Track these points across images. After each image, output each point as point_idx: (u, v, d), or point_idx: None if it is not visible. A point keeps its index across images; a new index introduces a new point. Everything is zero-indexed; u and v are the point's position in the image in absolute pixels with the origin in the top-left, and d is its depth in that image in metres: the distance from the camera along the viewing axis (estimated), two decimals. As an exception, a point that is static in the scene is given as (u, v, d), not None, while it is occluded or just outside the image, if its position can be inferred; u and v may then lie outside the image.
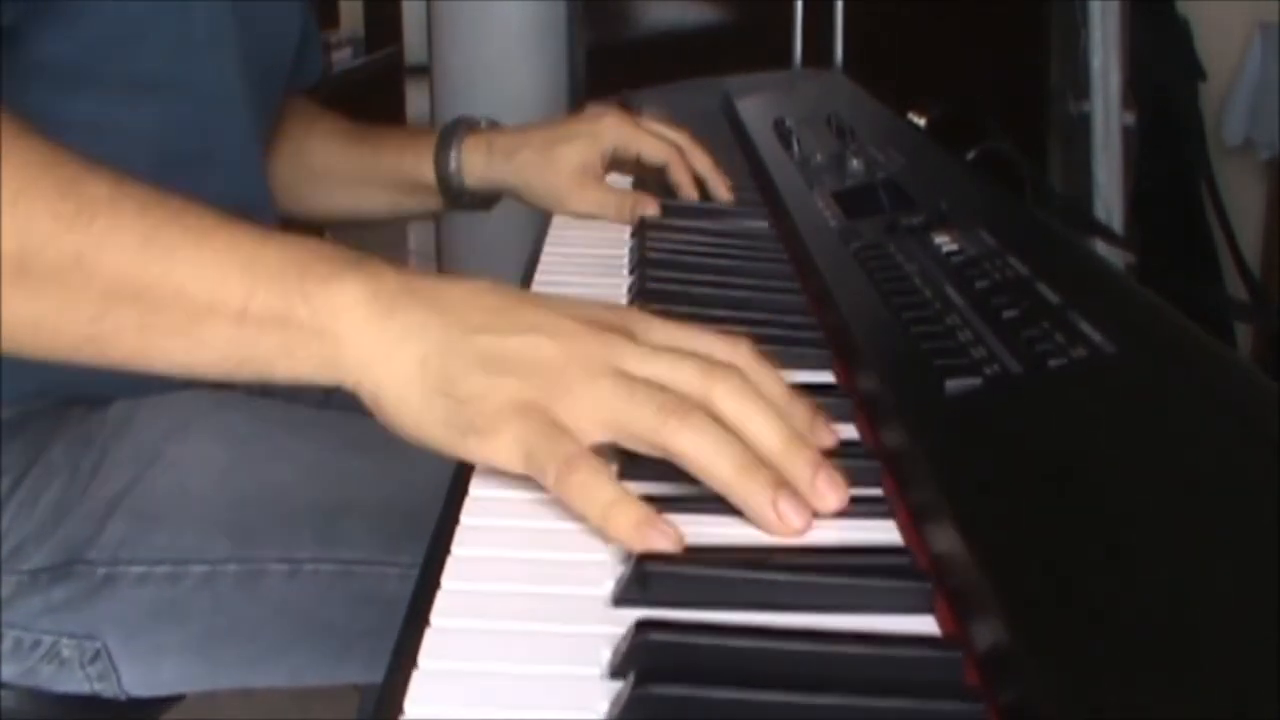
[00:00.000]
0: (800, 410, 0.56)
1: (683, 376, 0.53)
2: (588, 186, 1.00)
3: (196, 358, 0.57)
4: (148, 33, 0.79)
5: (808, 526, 0.51)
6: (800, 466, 0.52)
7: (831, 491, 0.52)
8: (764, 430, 0.53)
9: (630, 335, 0.56)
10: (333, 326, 0.55)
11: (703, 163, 1.03)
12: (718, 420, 0.52)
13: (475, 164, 1.03)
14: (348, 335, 0.55)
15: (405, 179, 1.06)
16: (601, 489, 0.50)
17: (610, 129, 1.01)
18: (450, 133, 1.04)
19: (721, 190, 1.03)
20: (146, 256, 0.56)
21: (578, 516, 0.51)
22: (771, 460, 0.52)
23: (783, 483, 0.51)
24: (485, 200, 1.07)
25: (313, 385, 0.58)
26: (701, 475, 0.52)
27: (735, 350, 0.57)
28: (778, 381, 0.57)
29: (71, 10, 0.75)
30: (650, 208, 0.97)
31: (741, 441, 0.52)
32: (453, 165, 1.03)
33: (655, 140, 1.02)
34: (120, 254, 0.56)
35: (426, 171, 1.04)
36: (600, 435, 0.53)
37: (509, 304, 0.56)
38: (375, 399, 0.56)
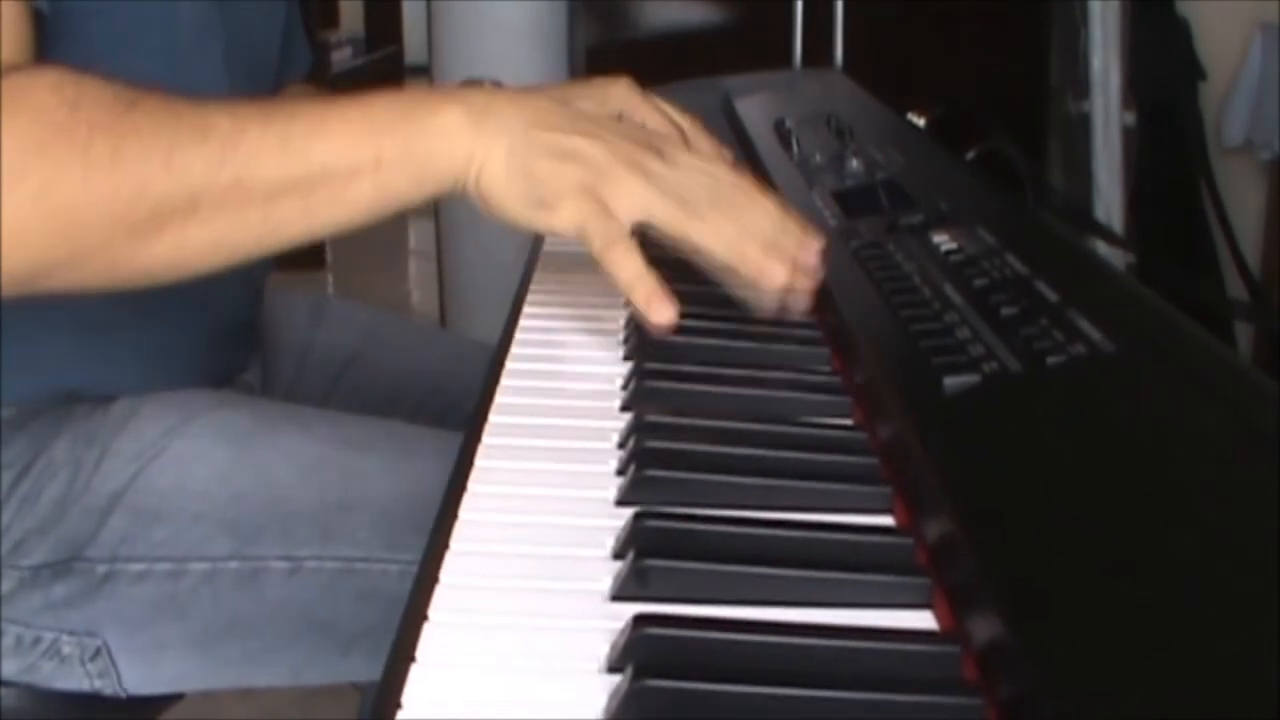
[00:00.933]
0: (795, 232, 0.71)
1: (699, 185, 0.69)
2: None
3: (353, 212, 0.68)
4: (136, 40, 0.80)
5: (782, 289, 0.69)
6: (791, 241, 0.70)
7: (813, 244, 0.71)
8: (763, 224, 0.70)
9: (661, 148, 0.70)
10: (446, 145, 0.67)
11: (704, 144, 1.03)
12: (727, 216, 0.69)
13: None
14: (459, 145, 0.67)
15: None
16: (632, 263, 0.66)
17: (619, 95, 1.01)
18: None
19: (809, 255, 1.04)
20: (289, 157, 0.66)
21: (612, 279, 0.66)
22: (770, 244, 0.69)
23: (771, 255, 0.69)
24: None
25: (440, 196, 0.69)
26: (709, 256, 0.69)
27: (740, 173, 0.73)
28: (774, 203, 0.72)
29: (64, 23, 0.75)
30: None
31: (738, 230, 0.69)
32: None
33: (660, 115, 1.02)
34: (268, 164, 0.66)
35: None
36: (637, 215, 0.67)
37: (570, 112, 0.71)
38: (476, 184, 0.68)
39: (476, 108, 0.68)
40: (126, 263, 0.66)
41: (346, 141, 0.67)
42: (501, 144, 0.68)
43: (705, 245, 0.68)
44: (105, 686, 0.81)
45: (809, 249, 0.71)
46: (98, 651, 0.80)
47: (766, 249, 0.69)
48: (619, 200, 0.67)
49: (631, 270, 0.66)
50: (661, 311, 0.66)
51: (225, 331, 0.93)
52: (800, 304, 0.71)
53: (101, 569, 0.79)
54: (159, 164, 0.64)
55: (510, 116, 0.68)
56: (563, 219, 0.67)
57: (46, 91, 0.63)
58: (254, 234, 0.67)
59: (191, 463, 0.81)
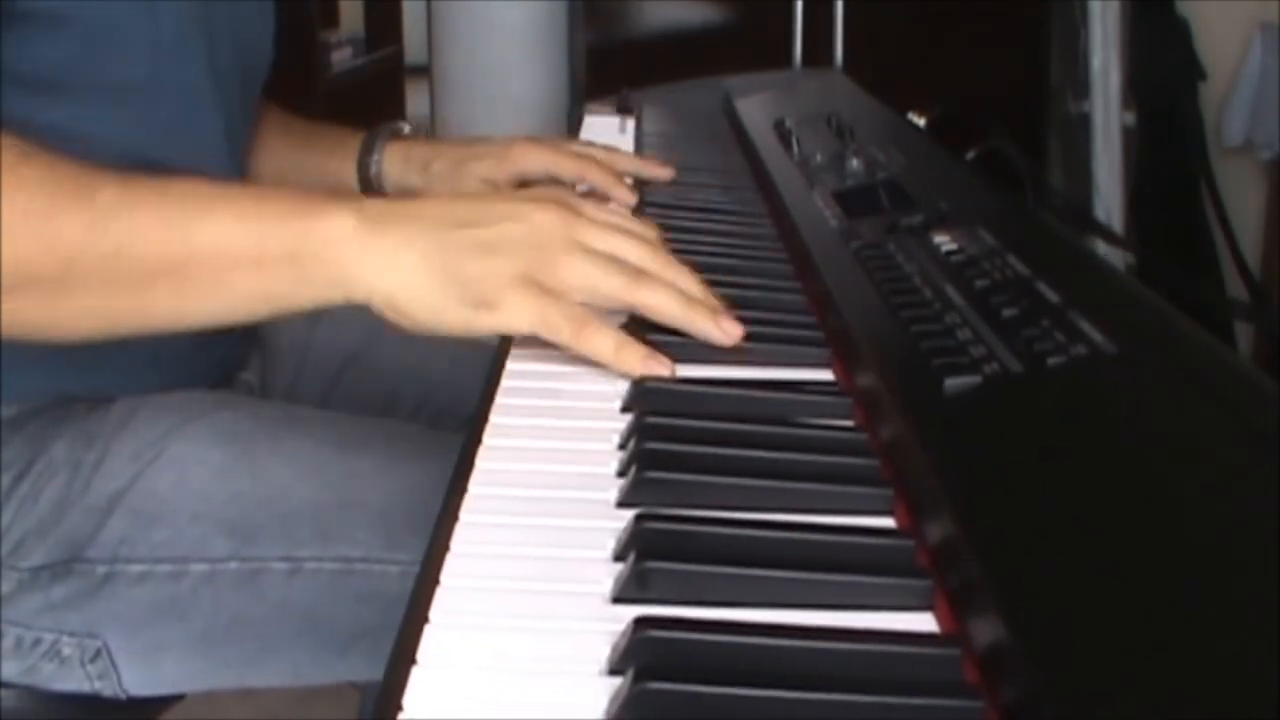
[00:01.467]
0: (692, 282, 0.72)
1: (629, 250, 0.69)
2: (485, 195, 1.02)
3: (228, 306, 0.68)
4: (118, 40, 0.80)
5: (743, 335, 0.69)
6: (716, 303, 0.71)
7: (737, 325, 0.70)
8: (691, 284, 0.70)
9: (576, 212, 0.69)
10: (336, 251, 0.65)
11: (626, 163, 1.05)
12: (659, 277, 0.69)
13: (393, 171, 1.07)
14: (351, 256, 0.65)
15: (329, 180, 1.09)
16: (610, 336, 0.66)
17: (519, 153, 1.04)
18: (374, 138, 1.08)
19: (659, 171, 1.06)
20: (171, 236, 0.65)
21: (594, 361, 0.66)
22: (699, 299, 0.70)
23: (719, 310, 0.70)
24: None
25: (330, 306, 0.68)
26: (661, 317, 0.69)
27: (648, 227, 0.75)
28: (685, 266, 0.73)
29: (44, 21, 0.75)
30: None
31: (678, 291, 0.69)
32: (373, 170, 1.07)
33: (565, 157, 1.03)
34: (148, 241, 0.65)
35: (349, 175, 1.08)
36: (581, 298, 0.67)
37: (476, 203, 0.70)
38: (390, 303, 0.66)
39: (369, 217, 0.66)
40: None
41: (230, 230, 0.66)
42: (410, 255, 0.65)
43: (656, 309, 0.68)
44: (105, 688, 0.81)
45: (734, 324, 0.70)
46: (98, 653, 0.80)
47: (707, 302, 0.70)
48: (563, 280, 0.66)
49: (613, 343, 0.66)
50: (660, 367, 0.66)
51: (223, 328, 0.92)
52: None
53: (101, 570, 0.79)
54: (37, 224, 0.63)
55: (411, 227, 0.66)
56: (512, 316, 0.65)
57: None
58: (123, 311, 0.67)
59: (191, 464, 0.81)
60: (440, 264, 0.65)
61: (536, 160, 1.03)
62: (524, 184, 1.04)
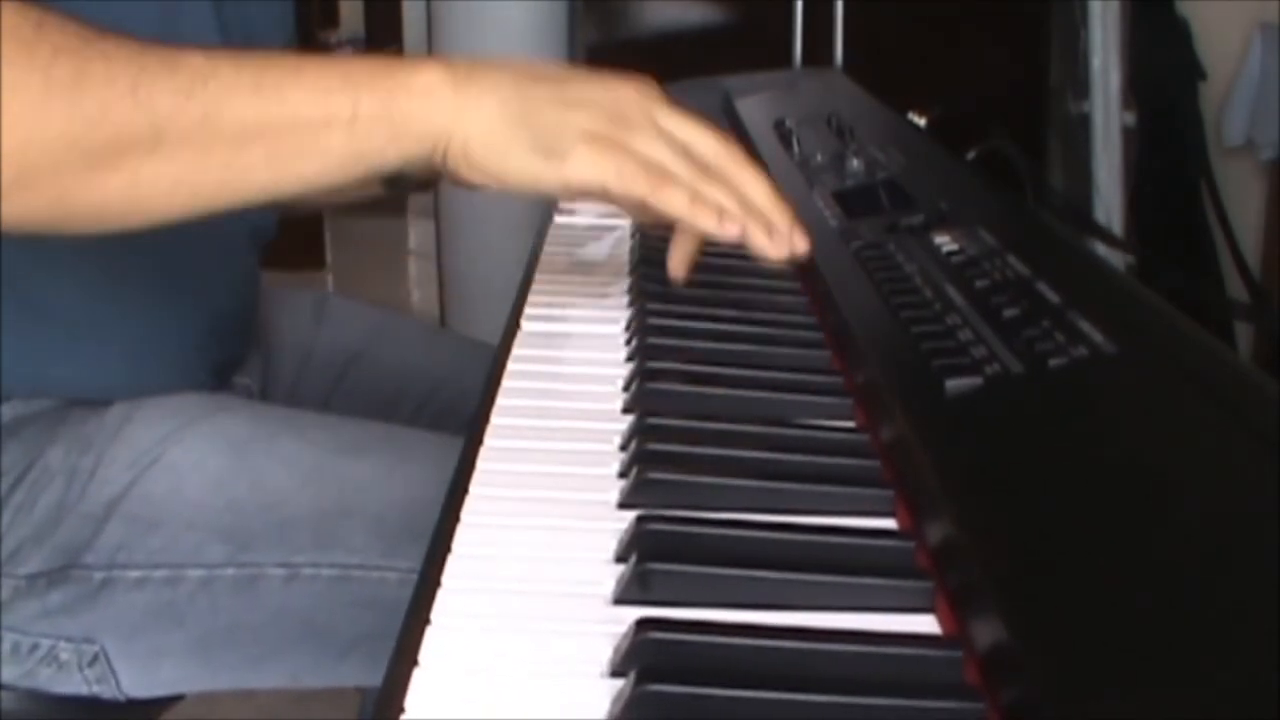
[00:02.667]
0: (785, 204, 0.71)
1: (703, 145, 0.68)
2: None
3: (323, 167, 0.65)
4: (136, 29, 0.79)
5: (790, 256, 0.69)
6: (784, 217, 0.69)
7: (803, 238, 0.70)
8: (760, 193, 0.69)
9: (658, 97, 0.69)
10: (424, 104, 0.65)
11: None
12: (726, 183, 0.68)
13: None
14: (439, 106, 0.65)
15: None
16: (684, 194, 0.66)
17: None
18: None
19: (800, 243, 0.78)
20: (261, 99, 0.63)
21: (667, 215, 0.67)
22: (765, 213, 0.69)
23: (779, 224, 0.69)
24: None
25: (418, 161, 0.66)
26: (713, 223, 0.67)
27: (727, 137, 0.72)
28: (761, 173, 0.71)
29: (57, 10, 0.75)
30: None
31: (741, 196, 0.68)
32: None
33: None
34: (239, 105, 0.63)
35: None
36: (655, 165, 0.66)
37: (564, 72, 0.70)
38: (466, 149, 0.65)
39: (459, 69, 0.66)
40: (77, 195, 0.62)
41: (322, 91, 0.64)
42: (490, 101, 0.65)
43: (713, 210, 0.67)
44: (104, 691, 0.81)
45: (799, 239, 0.70)
46: (95, 658, 0.80)
47: (770, 217, 0.69)
48: (637, 145, 0.66)
49: (687, 200, 0.66)
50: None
51: (219, 322, 0.92)
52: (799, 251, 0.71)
53: (98, 576, 0.79)
54: (123, 90, 0.61)
55: (497, 76, 0.66)
56: (582, 167, 0.65)
57: (10, 9, 0.60)
58: (216, 178, 0.64)
59: (187, 470, 0.81)
60: (517, 111, 0.65)
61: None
62: None
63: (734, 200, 0.68)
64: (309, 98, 0.64)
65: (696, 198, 0.67)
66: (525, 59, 0.70)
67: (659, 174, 0.66)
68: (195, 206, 0.65)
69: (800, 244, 0.70)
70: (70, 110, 0.60)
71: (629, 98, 0.68)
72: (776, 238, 0.68)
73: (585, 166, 0.65)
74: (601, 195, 0.67)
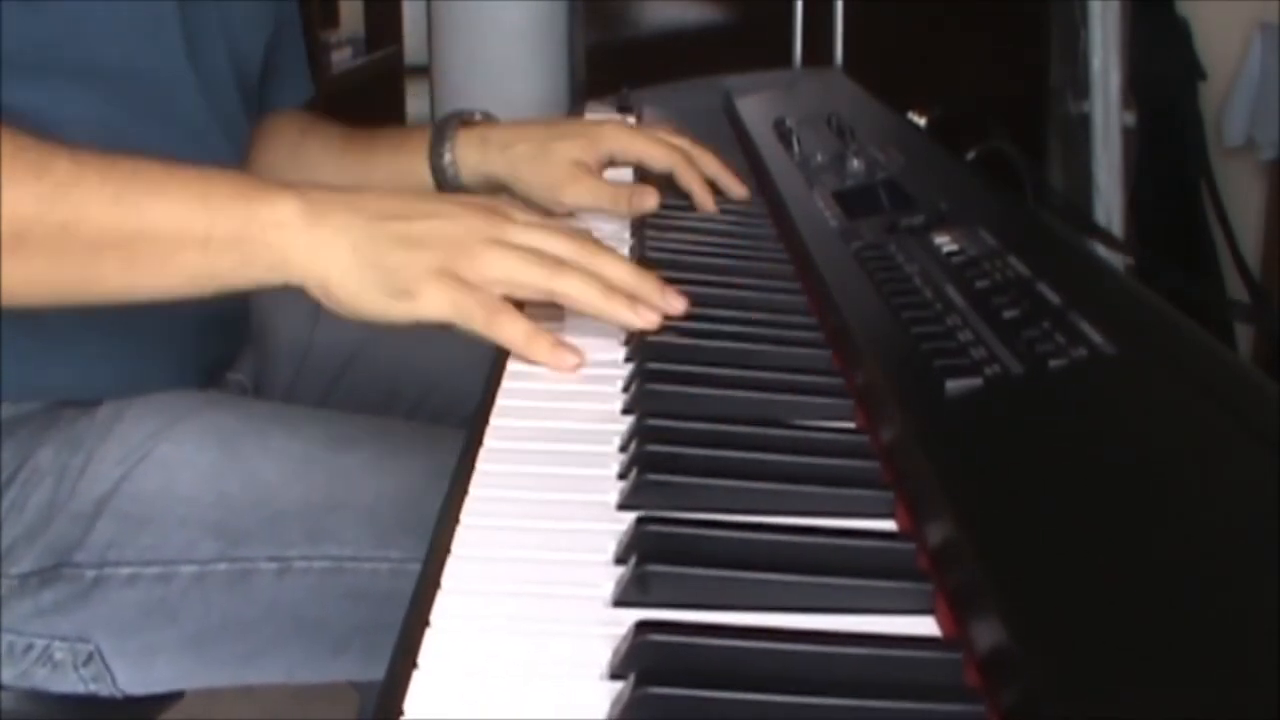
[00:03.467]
0: (649, 276, 0.74)
1: (551, 244, 0.71)
2: (582, 179, 0.97)
3: (172, 283, 0.70)
4: (90, 22, 0.80)
5: (659, 324, 0.71)
6: (649, 287, 0.72)
7: (676, 299, 0.73)
8: (618, 272, 0.72)
9: (505, 215, 0.72)
10: (279, 236, 0.68)
11: (711, 165, 1.02)
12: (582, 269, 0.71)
13: (470, 157, 1.01)
14: (292, 241, 0.68)
15: (401, 180, 1.04)
16: (522, 325, 0.69)
17: (609, 135, 1.00)
18: (443, 128, 1.03)
19: (736, 188, 1.02)
20: (120, 212, 0.67)
21: (506, 346, 0.69)
22: (627, 289, 0.71)
23: (636, 299, 0.71)
24: (484, 193, 1.06)
25: (267, 288, 0.71)
26: (579, 306, 0.71)
27: (580, 232, 0.76)
28: (618, 258, 0.74)
29: (16, 7, 0.76)
30: (650, 200, 0.95)
31: (598, 281, 0.70)
32: (447, 159, 1.02)
33: (658, 146, 1.01)
34: (98, 215, 0.67)
35: (421, 170, 1.03)
36: (501, 286, 0.69)
37: (410, 199, 0.72)
38: (323, 286, 0.69)
39: (314, 204, 0.69)
40: None
41: (180, 210, 0.68)
42: (343, 243, 0.68)
43: (574, 298, 0.70)
44: (101, 689, 0.81)
45: (671, 300, 0.73)
46: (90, 656, 0.80)
47: (632, 297, 0.71)
48: (480, 272, 0.68)
49: (523, 331, 0.68)
50: (567, 360, 0.69)
51: (208, 321, 0.92)
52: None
53: (90, 574, 0.79)
54: None
55: (348, 215, 0.69)
56: (429, 304, 0.68)
57: None
58: (72, 281, 0.69)
59: (177, 466, 0.81)
60: (367, 253, 0.68)
61: (627, 145, 1.00)
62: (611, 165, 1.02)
63: (594, 284, 0.70)
64: (166, 214, 0.68)
65: (551, 293, 0.70)
66: (375, 191, 0.73)
67: (493, 307, 0.68)
68: (50, 301, 0.71)
69: (675, 304, 0.72)
70: None
71: (471, 223, 0.70)
72: (642, 310, 0.71)
73: (432, 304, 0.68)
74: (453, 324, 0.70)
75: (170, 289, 0.70)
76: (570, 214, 0.98)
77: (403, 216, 0.69)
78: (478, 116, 1.05)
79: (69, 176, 0.67)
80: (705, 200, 0.99)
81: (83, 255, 0.67)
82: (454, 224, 0.70)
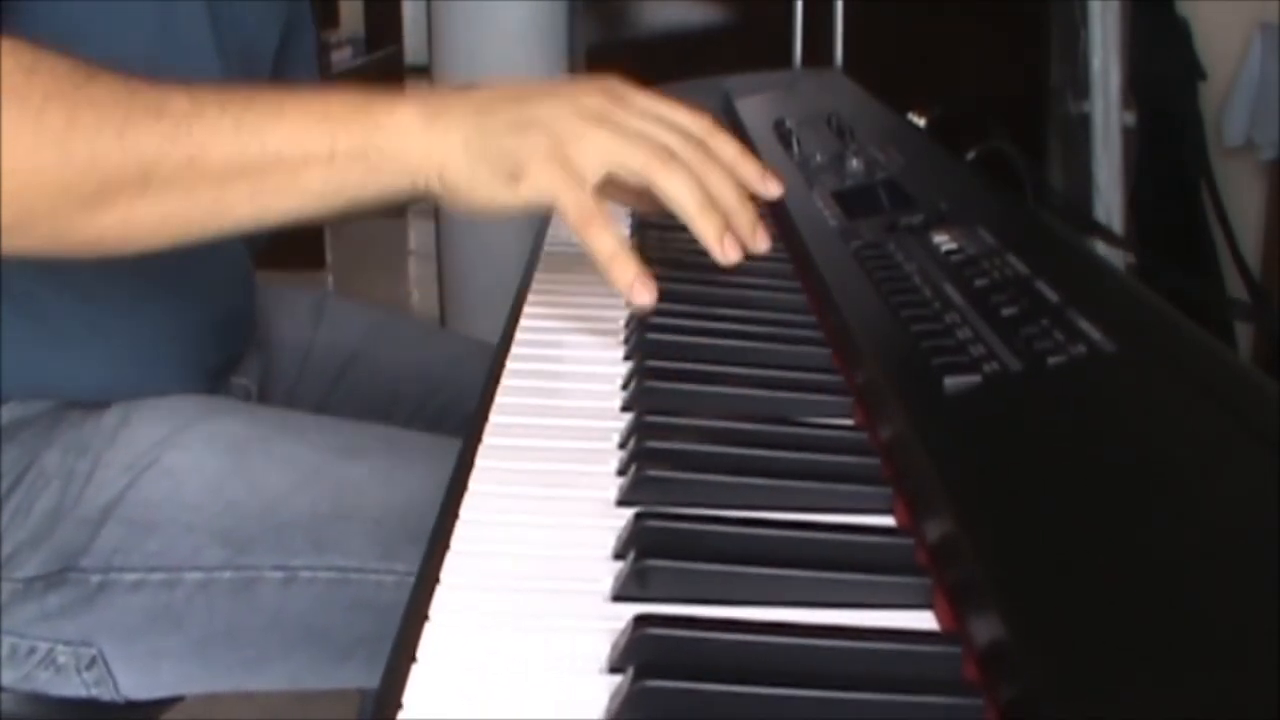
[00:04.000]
0: (750, 168, 0.73)
1: (664, 133, 0.69)
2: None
3: (305, 202, 0.69)
4: (120, 14, 0.80)
5: (740, 259, 0.69)
6: (744, 220, 0.70)
7: (764, 240, 0.72)
8: (722, 187, 0.70)
9: (620, 98, 0.70)
10: (401, 142, 0.68)
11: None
12: (690, 168, 0.69)
13: None
14: (413, 144, 0.68)
15: None
16: (609, 239, 0.67)
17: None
18: None
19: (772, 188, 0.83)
20: (243, 140, 0.66)
21: (589, 254, 0.67)
22: (724, 205, 0.69)
23: (728, 225, 0.69)
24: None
25: (395, 197, 0.70)
26: (673, 205, 0.69)
27: (701, 120, 0.73)
28: (734, 145, 0.73)
29: (45, 17, 0.75)
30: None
31: (701, 186, 0.68)
32: None
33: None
34: (221, 146, 0.66)
35: None
36: (606, 168, 0.68)
37: (524, 86, 0.71)
38: (441, 181, 0.68)
39: (431, 106, 0.69)
40: (73, 232, 0.66)
41: (302, 130, 0.67)
42: (457, 137, 0.68)
43: (672, 197, 0.68)
44: (103, 693, 0.81)
45: (760, 241, 0.71)
46: (93, 661, 0.80)
47: (730, 213, 0.69)
48: (587, 156, 0.67)
49: (610, 246, 0.67)
50: (641, 294, 0.67)
51: (214, 322, 0.92)
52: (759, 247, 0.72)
53: (95, 579, 0.79)
54: (112, 137, 0.64)
55: (462, 110, 0.69)
56: (532, 187, 0.67)
57: (5, 53, 0.62)
58: (203, 214, 0.68)
59: (184, 473, 0.81)
60: (480, 141, 0.68)
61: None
62: None
63: (696, 190, 0.68)
64: (289, 137, 0.67)
65: (652, 184, 0.68)
66: (496, 80, 0.72)
67: (588, 212, 0.67)
68: (184, 237, 0.69)
69: (762, 244, 0.71)
70: (61, 157, 0.63)
71: (584, 104, 0.69)
72: (728, 242, 0.69)
73: (537, 187, 0.67)
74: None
75: (301, 209, 0.69)
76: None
77: (516, 100, 0.69)
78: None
79: (187, 111, 0.66)
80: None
81: (212, 187, 0.66)
82: (567, 104, 0.69)
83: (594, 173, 0.67)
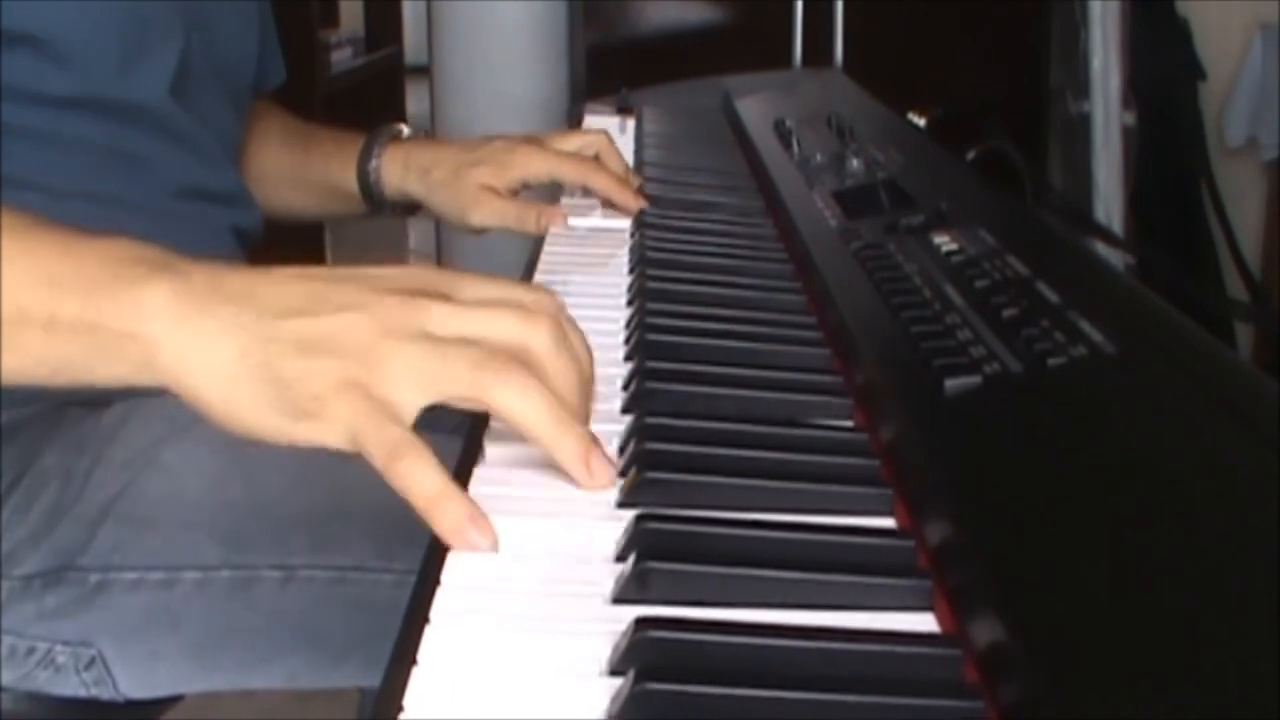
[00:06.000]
0: (586, 369, 0.59)
1: (495, 329, 0.55)
2: (488, 202, 1.02)
3: (16, 365, 0.59)
4: (74, 54, 0.80)
5: (613, 482, 0.55)
6: (588, 402, 0.57)
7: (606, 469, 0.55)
8: (569, 386, 0.56)
9: (443, 296, 0.57)
10: (143, 329, 0.56)
11: (614, 167, 1.06)
12: (530, 368, 0.54)
13: (392, 176, 1.07)
14: (160, 336, 0.56)
15: (330, 184, 1.09)
16: (426, 477, 0.52)
17: (521, 159, 1.03)
18: (373, 143, 1.07)
19: (629, 202, 1.03)
20: None
21: (404, 497, 0.53)
22: (574, 411, 0.55)
23: (592, 441, 0.55)
24: (406, 208, 1.10)
25: (137, 387, 0.59)
26: (517, 429, 0.54)
27: (544, 300, 0.59)
28: (580, 336, 0.59)
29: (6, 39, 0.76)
30: (557, 219, 1.00)
31: (553, 396, 0.54)
32: (372, 176, 1.07)
33: (566, 163, 1.03)
34: None
35: (350, 179, 1.07)
36: (422, 400, 0.54)
37: (316, 287, 0.56)
38: (196, 397, 0.56)
39: (194, 292, 0.56)
40: None
41: (23, 284, 0.57)
42: (226, 349, 0.55)
43: (514, 420, 0.54)
44: (102, 692, 0.81)
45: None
46: (92, 660, 0.80)
47: (580, 421, 0.56)
48: (395, 386, 0.54)
49: (428, 485, 0.52)
50: (473, 540, 0.51)
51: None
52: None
53: (94, 578, 0.79)
54: None
55: (236, 310, 0.55)
56: (329, 430, 0.54)
57: None
58: None
59: (182, 471, 0.81)
60: (259, 361, 0.54)
61: (539, 167, 1.03)
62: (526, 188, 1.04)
63: (539, 400, 0.54)
64: (9, 286, 0.57)
65: (483, 406, 0.55)
66: (282, 272, 0.58)
67: (395, 446, 0.53)
68: None
69: (604, 475, 0.55)
70: None
71: (389, 316, 0.55)
72: (595, 464, 0.55)
73: (331, 430, 0.54)
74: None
75: (18, 373, 0.59)
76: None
77: (307, 312, 0.55)
78: (405, 133, 1.10)
79: None
80: (626, 201, 1.02)
81: None
82: (367, 318, 0.54)
83: (410, 408, 0.54)
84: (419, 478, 0.52)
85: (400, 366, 0.54)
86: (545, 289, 0.61)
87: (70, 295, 0.57)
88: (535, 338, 0.56)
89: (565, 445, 0.54)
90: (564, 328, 0.57)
